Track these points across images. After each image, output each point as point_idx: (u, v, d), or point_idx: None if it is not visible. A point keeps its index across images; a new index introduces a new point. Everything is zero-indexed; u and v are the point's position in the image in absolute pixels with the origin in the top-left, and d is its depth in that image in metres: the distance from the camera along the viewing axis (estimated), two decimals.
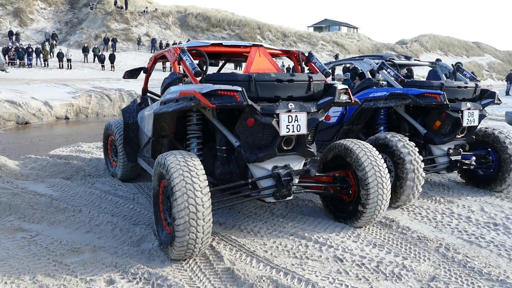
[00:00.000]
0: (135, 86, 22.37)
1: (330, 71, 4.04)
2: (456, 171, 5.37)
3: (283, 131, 3.32)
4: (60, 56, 27.45)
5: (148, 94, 5.31)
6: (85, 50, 30.28)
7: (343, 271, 3.16)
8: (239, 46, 4.30)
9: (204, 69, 3.88)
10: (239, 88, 3.17)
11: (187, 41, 38.98)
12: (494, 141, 5.15)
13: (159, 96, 5.35)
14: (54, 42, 31.80)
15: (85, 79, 24.54)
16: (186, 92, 3.35)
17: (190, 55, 3.71)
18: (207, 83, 3.42)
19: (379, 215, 3.87)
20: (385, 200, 3.79)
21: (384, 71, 5.26)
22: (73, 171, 5.84)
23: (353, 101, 3.73)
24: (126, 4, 39.45)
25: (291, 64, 31.36)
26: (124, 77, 5.22)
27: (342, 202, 4.10)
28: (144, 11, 40.67)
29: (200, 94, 3.19)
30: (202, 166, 3.20)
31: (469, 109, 4.79)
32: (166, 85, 3.86)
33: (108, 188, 5.16)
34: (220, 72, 5.23)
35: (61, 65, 27.47)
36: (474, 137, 5.06)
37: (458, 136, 4.94)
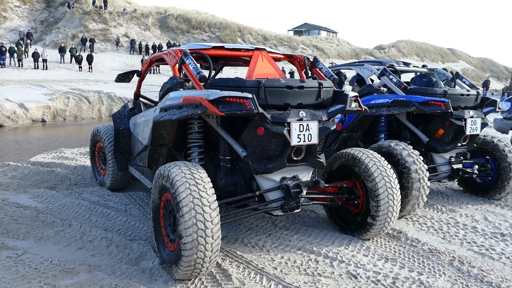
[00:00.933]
0: (115, 88, 21.86)
1: (337, 77, 3.87)
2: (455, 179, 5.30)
3: (294, 141, 3.13)
4: (35, 56, 26.55)
5: (141, 99, 5.04)
6: (61, 50, 29.41)
7: None
8: (241, 50, 4.10)
9: (208, 73, 3.66)
10: (249, 95, 2.97)
11: (166, 43, 38.56)
12: (494, 149, 5.10)
13: (152, 101, 5.10)
14: (29, 41, 30.81)
15: (61, 80, 23.79)
16: (191, 98, 3.12)
17: (193, 59, 3.47)
18: (212, 89, 3.21)
19: (389, 227, 3.72)
20: (396, 212, 3.65)
21: (386, 77, 5.14)
22: (58, 180, 5.50)
23: (363, 109, 3.58)
24: (105, 4, 38.60)
25: (293, 68, 31.23)
26: (116, 81, 4.94)
27: (349, 213, 3.94)
28: (123, 11, 39.89)
29: (207, 101, 2.97)
30: (209, 179, 2.98)
31: (472, 117, 4.71)
32: (165, 90, 3.61)
33: (97, 198, 4.86)
34: (216, 77, 5.00)
35: (36, 65, 26.58)
36: (475, 145, 4.99)
37: (460, 144, 4.85)
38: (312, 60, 4.18)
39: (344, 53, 50.82)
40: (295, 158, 3.30)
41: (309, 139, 3.20)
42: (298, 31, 66.87)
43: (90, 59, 28.86)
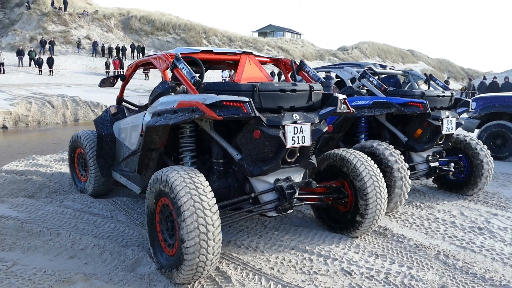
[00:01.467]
0: (79, 92, 21.34)
1: (324, 80, 3.98)
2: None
3: (289, 143, 3.21)
4: None
5: (124, 103, 4.98)
6: (19, 53, 28.29)
7: (355, 285, 3.09)
8: (229, 54, 4.14)
9: (200, 78, 3.67)
10: (247, 99, 3.02)
11: (130, 45, 37.86)
12: (466, 147, 5.37)
13: (135, 106, 5.05)
14: None
15: (21, 84, 22.92)
16: (187, 103, 3.13)
17: (186, 63, 3.48)
18: (206, 93, 3.23)
19: (376, 225, 3.86)
20: (383, 209, 3.79)
21: (365, 79, 5.31)
22: (36, 188, 5.34)
23: (351, 111, 3.70)
24: (65, 5, 37.46)
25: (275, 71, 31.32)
26: (100, 86, 4.85)
27: (337, 212, 4.06)
28: (84, 12, 38.85)
29: (204, 106, 3.00)
30: (208, 183, 3.00)
31: (447, 117, 4.95)
32: (156, 95, 3.60)
33: (80, 205, 4.76)
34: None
35: None
36: (450, 144, 5.24)
37: (436, 144, 5.08)
38: (298, 63, 4.27)
39: (309, 54, 51.55)
40: (288, 160, 3.38)
41: (303, 141, 3.29)
42: (262, 32, 67.33)
43: (50, 62, 27.99)
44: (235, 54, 4.16)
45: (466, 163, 5.42)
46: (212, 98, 3.02)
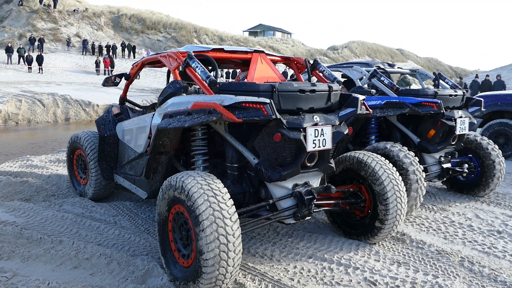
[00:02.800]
0: (69, 90, 20.96)
1: (341, 80, 3.80)
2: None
3: (309, 147, 3.02)
4: None
5: (127, 103, 4.75)
6: (8, 51, 27.73)
7: None
8: (240, 52, 3.94)
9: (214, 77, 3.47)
10: (267, 100, 2.82)
11: (121, 43, 37.37)
12: (477, 148, 5.24)
13: (139, 106, 4.84)
14: None
15: (10, 82, 22.44)
16: (203, 104, 2.93)
17: (199, 62, 3.27)
18: (222, 94, 3.03)
19: (396, 231, 3.70)
20: (403, 214, 3.62)
21: (376, 79, 5.14)
22: (33, 191, 5.08)
23: (370, 112, 3.53)
24: (55, 2, 36.81)
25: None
26: (103, 85, 4.61)
27: (353, 217, 3.89)
28: (74, 10, 38.24)
29: (222, 107, 2.80)
30: (226, 189, 2.81)
31: (461, 117, 4.81)
32: (167, 95, 3.39)
33: (81, 210, 4.52)
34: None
35: None
36: (462, 144, 5.11)
37: (449, 144, 4.94)
38: (312, 62, 4.09)
39: (300, 54, 51.39)
40: (308, 164, 3.19)
41: (324, 144, 3.10)
42: (253, 32, 67.06)
43: (40, 59, 27.45)
44: (246, 53, 3.96)
45: (476, 163, 5.30)
46: (230, 99, 2.82)
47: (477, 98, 5.29)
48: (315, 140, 3.05)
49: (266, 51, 4.04)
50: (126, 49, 36.88)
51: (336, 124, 3.20)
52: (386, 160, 3.73)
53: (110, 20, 42.43)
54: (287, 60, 4.31)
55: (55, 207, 4.58)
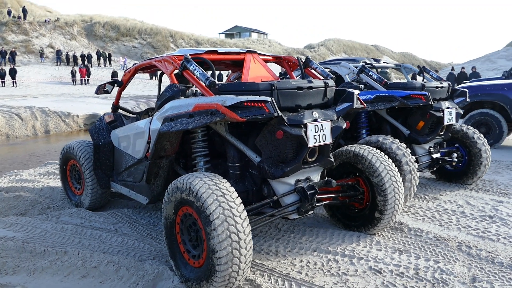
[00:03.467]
0: (47, 102, 20.61)
1: (334, 76, 3.91)
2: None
3: (310, 142, 3.10)
4: None
5: (120, 110, 4.74)
6: None
7: (389, 284, 3.02)
8: (233, 53, 3.99)
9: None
10: (268, 99, 2.89)
11: (96, 52, 36.91)
12: (464, 137, 5.42)
13: (132, 113, 4.84)
14: None
15: None
16: (205, 105, 2.97)
17: (197, 64, 3.32)
18: (222, 95, 3.08)
19: (395, 220, 3.81)
20: (401, 204, 3.74)
21: (365, 74, 5.27)
22: (27, 205, 5.02)
23: (365, 106, 3.63)
24: (25, 13, 36.10)
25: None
26: (96, 93, 4.58)
27: (352, 210, 3.99)
28: (45, 21, 37.57)
29: (224, 107, 2.85)
30: (233, 188, 2.86)
31: (448, 108, 4.99)
32: (165, 99, 3.42)
33: (79, 220, 4.49)
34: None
35: None
36: (450, 134, 5.27)
37: (438, 135, 5.11)
38: (304, 60, 4.17)
39: (277, 54, 51.69)
40: (309, 160, 3.28)
41: (324, 139, 3.19)
42: (229, 34, 67.19)
43: (13, 73, 26.93)
44: (239, 53, 4.02)
45: (463, 153, 5.48)
46: (232, 99, 2.88)
47: (462, 89, 5.47)
48: (316, 135, 3.13)
49: (258, 51, 4.10)
50: (101, 57, 36.46)
51: (334, 119, 3.29)
52: (382, 153, 3.84)
53: (83, 29, 41.89)
54: (278, 59, 4.39)
55: (53, 219, 4.54)
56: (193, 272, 2.93)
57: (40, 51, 34.28)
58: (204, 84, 3.20)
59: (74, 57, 34.06)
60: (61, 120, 18.48)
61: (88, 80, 30.81)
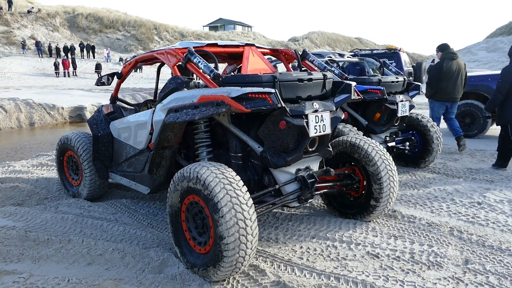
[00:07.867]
0: (31, 94, 20.32)
1: (332, 68, 4.02)
2: None
3: (311, 132, 3.22)
4: None
5: (118, 102, 4.77)
6: None
7: (387, 267, 3.16)
8: (232, 46, 4.06)
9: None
10: (272, 90, 2.98)
11: (79, 44, 36.32)
12: (419, 125, 5.92)
13: (130, 104, 4.88)
14: None
15: None
16: (210, 97, 3.05)
17: (200, 57, 3.38)
18: (226, 86, 3.17)
19: (389, 208, 3.96)
20: (396, 192, 3.89)
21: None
22: (24, 195, 5.02)
23: (361, 97, 3.76)
24: (10, 4, 35.26)
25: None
26: (96, 84, 4.60)
27: (348, 198, 4.12)
28: (28, 11, 36.77)
29: (229, 99, 2.93)
30: (239, 177, 2.95)
31: (402, 101, 5.50)
32: (169, 91, 3.48)
33: (79, 210, 4.53)
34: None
35: None
36: (404, 124, 5.77)
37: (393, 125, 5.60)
38: (301, 53, 4.27)
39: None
40: (310, 149, 3.39)
41: (324, 130, 3.30)
42: (213, 26, 66.77)
43: None
44: (238, 46, 4.10)
45: (418, 139, 5.96)
46: (237, 91, 2.96)
47: (416, 83, 5.97)
48: (316, 126, 3.24)
49: (256, 44, 4.18)
50: (84, 49, 35.94)
51: (333, 110, 3.40)
52: (377, 142, 3.98)
53: (66, 20, 41.17)
54: (276, 52, 4.47)
55: (52, 209, 4.57)
56: (199, 259, 3.02)
57: (22, 42, 33.61)
58: (208, 76, 3.27)
59: (57, 48, 33.51)
60: (46, 112, 18.22)
61: (74, 72, 30.38)
